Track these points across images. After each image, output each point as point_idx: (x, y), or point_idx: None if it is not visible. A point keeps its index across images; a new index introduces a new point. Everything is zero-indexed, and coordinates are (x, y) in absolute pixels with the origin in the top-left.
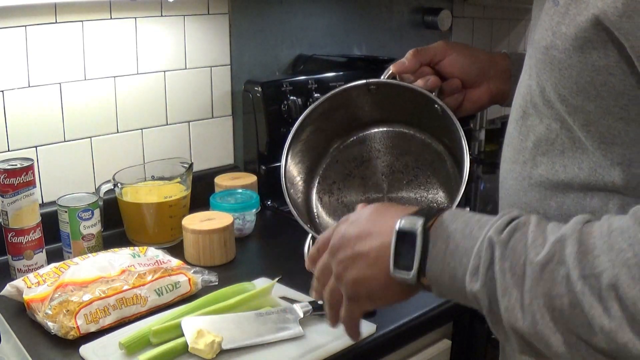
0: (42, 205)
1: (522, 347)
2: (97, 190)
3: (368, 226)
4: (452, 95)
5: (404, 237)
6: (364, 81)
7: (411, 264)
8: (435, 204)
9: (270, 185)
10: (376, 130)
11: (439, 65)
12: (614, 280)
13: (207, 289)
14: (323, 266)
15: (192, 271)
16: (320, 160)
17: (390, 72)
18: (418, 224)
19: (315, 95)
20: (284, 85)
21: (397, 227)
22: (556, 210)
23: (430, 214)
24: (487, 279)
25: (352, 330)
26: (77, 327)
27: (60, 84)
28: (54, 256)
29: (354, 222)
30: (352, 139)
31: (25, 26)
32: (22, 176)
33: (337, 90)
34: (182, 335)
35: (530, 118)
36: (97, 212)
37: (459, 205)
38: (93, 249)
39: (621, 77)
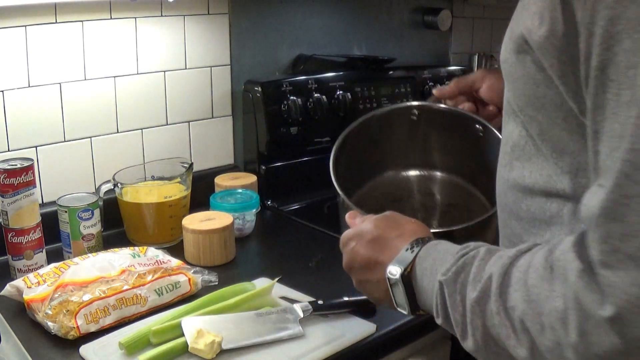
0: (42, 205)
1: None
2: (97, 190)
3: (372, 253)
4: (490, 122)
5: (393, 284)
6: (407, 104)
7: (405, 305)
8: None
9: (270, 185)
10: (408, 173)
11: (479, 92)
12: (522, 314)
13: (207, 289)
14: None
15: (192, 271)
16: (352, 193)
17: (434, 97)
18: (398, 274)
19: (315, 95)
20: (284, 85)
21: (386, 276)
22: (526, 213)
23: (406, 259)
24: (444, 316)
25: None
26: (77, 327)
27: (60, 84)
28: (54, 256)
29: (358, 248)
30: (384, 177)
31: (25, 26)
32: (22, 176)
33: (377, 112)
34: (182, 335)
35: (510, 124)
36: (97, 212)
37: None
38: (93, 249)
39: (557, 90)
